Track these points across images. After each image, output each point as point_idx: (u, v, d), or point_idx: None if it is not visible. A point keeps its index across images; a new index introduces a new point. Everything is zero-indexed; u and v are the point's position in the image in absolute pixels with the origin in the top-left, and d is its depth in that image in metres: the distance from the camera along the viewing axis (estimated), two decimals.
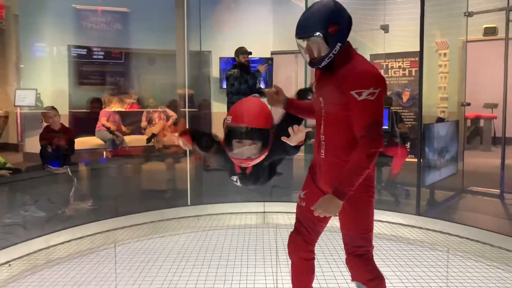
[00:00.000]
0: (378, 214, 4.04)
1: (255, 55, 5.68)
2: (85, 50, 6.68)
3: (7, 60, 7.20)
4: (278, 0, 7.42)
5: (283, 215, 4.26)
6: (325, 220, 1.92)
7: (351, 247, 1.78)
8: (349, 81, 1.64)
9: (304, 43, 1.77)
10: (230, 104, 5.23)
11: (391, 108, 4.53)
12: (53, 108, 4.50)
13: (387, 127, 4.33)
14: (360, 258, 1.77)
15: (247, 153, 1.82)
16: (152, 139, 6.31)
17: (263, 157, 1.87)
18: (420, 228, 3.85)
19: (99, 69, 6.75)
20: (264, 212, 4.29)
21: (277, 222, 4.11)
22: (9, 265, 3.10)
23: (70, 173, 4.28)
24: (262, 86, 6.68)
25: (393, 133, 4.39)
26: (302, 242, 1.90)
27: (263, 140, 1.84)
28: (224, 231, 3.85)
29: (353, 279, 1.84)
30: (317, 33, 1.67)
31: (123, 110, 6.27)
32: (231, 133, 1.84)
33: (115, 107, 6.12)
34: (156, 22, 6.35)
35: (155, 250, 3.39)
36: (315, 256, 1.96)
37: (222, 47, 7.11)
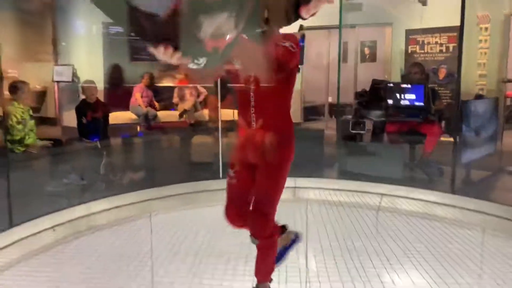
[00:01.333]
0: (410, 192, 4.00)
1: (284, 30, 5.60)
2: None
3: (45, 37, 7.40)
4: None
5: (314, 190, 4.28)
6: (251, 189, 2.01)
7: (261, 205, 1.94)
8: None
9: None
10: None
11: (427, 84, 4.40)
12: (91, 81, 4.62)
13: (422, 104, 4.23)
14: (265, 216, 1.94)
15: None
16: (184, 115, 6.42)
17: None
18: (455, 206, 3.78)
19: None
20: (295, 187, 4.32)
21: (308, 197, 4.14)
22: (54, 230, 3.27)
23: (99, 146, 4.43)
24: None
25: (428, 110, 4.28)
26: (238, 214, 2.05)
27: None
28: None
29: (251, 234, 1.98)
30: None
31: (172, 85, 6.36)
32: None
33: (167, 82, 6.24)
34: None
35: (188, 221, 3.49)
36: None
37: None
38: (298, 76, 7.13)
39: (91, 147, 4.42)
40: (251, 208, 1.99)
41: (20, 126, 4.00)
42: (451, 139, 4.13)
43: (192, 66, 1.57)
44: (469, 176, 4.24)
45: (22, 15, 7.07)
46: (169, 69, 6.45)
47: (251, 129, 1.92)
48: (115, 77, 6.05)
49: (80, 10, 7.03)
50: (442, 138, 4.69)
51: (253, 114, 1.91)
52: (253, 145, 1.92)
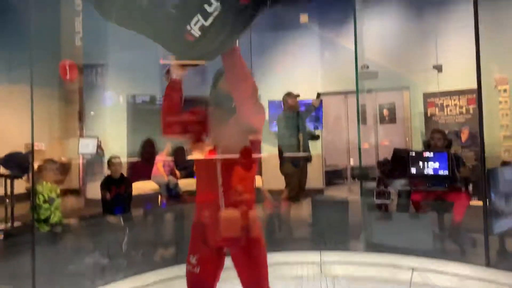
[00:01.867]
0: (443, 265, 3.81)
1: (304, 96, 5.71)
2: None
3: (72, 110, 7.76)
4: (326, 43, 7.51)
5: (341, 265, 4.12)
6: (218, 277, 1.94)
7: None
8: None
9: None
10: (281, 146, 5.27)
11: (450, 151, 4.34)
12: (117, 157, 4.74)
13: (447, 172, 4.15)
14: None
15: None
16: None
17: None
18: (491, 282, 3.56)
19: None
20: (320, 262, 4.18)
21: (335, 273, 3.98)
22: None
23: (122, 223, 4.44)
24: (312, 127, 6.68)
25: (453, 178, 4.18)
26: None
27: None
28: (279, 282, 3.77)
29: None
30: None
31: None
32: None
33: (197, 155, 6.32)
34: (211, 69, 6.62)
35: None
36: None
37: (271, 90, 7.26)
38: (319, 141, 7.15)
39: (114, 223, 4.44)
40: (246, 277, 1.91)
41: (46, 205, 4.08)
42: (481, 203, 3.98)
43: None
44: (504, 247, 4.03)
45: (51, 90, 7.49)
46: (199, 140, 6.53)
47: (220, 207, 1.82)
48: (148, 151, 6.17)
49: (107, 82, 7.41)
50: (471, 203, 4.54)
51: (222, 191, 1.82)
52: (228, 226, 1.79)
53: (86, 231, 4.63)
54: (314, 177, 7.27)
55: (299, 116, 5.28)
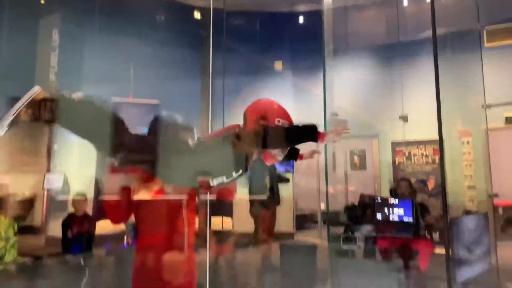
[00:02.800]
0: None
1: None
2: None
3: (40, 146, 7.58)
4: (297, 89, 7.75)
5: None
6: None
7: None
8: None
9: None
10: (251, 188, 5.26)
11: (415, 199, 4.44)
12: (83, 195, 4.61)
13: (411, 219, 4.22)
14: None
15: None
16: None
17: None
18: None
19: None
20: None
21: None
22: None
23: (82, 263, 4.27)
24: (283, 170, 6.72)
25: (417, 226, 4.26)
26: None
27: None
28: None
29: None
30: None
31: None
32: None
33: (142, 194, 6.19)
34: (182, 112, 6.67)
35: None
36: None
37: None
38: (290, 185, 7.13)
39: (74, 263, 4.25)
40: None
41: (1, 243, 3.88)
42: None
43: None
44: None
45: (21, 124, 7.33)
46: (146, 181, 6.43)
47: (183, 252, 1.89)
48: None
49: None
50: (437, 251, 4.60)
51: (187, 234, 1.88)
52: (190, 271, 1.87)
53: (43, 271, 4.40)
54: (285, 221, 7.24)
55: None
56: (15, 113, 1.61)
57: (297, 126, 1.89)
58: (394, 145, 6.81)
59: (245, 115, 1.89)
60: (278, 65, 7.78)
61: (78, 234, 4.33)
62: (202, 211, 5.60)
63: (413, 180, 6.02)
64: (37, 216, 7.54)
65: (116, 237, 5.99)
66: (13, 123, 1.61)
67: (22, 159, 7.41)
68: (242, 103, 7.81)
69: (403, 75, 6.91)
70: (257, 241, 5.20)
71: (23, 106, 1.60)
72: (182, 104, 6.87)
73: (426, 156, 6.59)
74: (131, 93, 6.90)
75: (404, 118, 5.99)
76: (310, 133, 1.87)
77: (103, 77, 6.64)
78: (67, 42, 7.19)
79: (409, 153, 6.69)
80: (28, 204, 7.56)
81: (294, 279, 4.52)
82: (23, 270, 4.06)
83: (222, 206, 6.22)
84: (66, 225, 4.37)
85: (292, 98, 7.86)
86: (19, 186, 7.16)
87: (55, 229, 6.51)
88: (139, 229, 2.01)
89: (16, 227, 4.14)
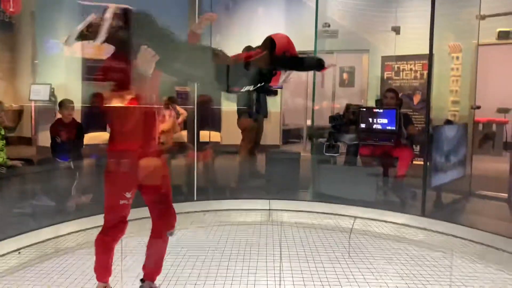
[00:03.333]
0: (382, 215, 4.05)
1: None
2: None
3: (23, 55, 7.37)
4: (289, 1, 7.44)
5: (288, 213, 4.29)
6: None
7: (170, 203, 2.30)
8: None
9: None
10: (239, 100, 5.29)
11: (400, 109, 4.51)
12: (69, 101, 4.58)
13: (394, 128, 4.33)
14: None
15: None
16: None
17: None
18: (425, 229, 3.84)
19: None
20: (269, 209, 4.32)
21: (282, 220, 4.14)
22: (19, 252, 3.18)
23: (72, 167, 4.37)
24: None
25: (400, 135, 4.38)
26: (124, 226, 2.25)
27: None
28: (229, 227, 3.89)
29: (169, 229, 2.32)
30: None
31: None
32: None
33: (115, 102, 6.14)
34: (166, 21, 6.41)
35: None
36: None
37: (233, 48, 7.14)
38: (277, 99, 7.12)
39: (64, 167, 4.36)
40: (160, 207, 2.27)
41: None
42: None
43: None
44: (439, 200, 4.32)
45: (1, 34, 7.05)
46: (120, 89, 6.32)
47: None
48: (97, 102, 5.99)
49: (59, 28, 7.03)
50: (416, 162, 4.80)
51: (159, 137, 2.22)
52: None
53: (34, 175, 4.52)
54: (272, 135, 7.38)
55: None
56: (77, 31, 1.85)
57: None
58: (384, 59, 6.73)
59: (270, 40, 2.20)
60: None
61: (67, 140, 4.37)
62: (191, 125, 5.64)
63: (400, 94, 6.07)
64: (26, 127, 7.57)
65: (103, 148, 6.09)
66: (81, 37, 1.88)
67: (5, 71, 7.24)
68: (230, 14, 7.53)
69: None
70: (244, 150, 5.34)
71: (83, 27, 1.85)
72: (164, 15, 6.59)
73: (415, 71, 6.56)
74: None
75: (397, 30, 5.85)
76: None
77: None
78: None
79: (398, 68, 6.64)
80: (16, 115, 7.54)
81: (278, 184, 4.74)
82: (13, 173, 4.16)
83: (211, 120, 6.29)
84: (54, 130, 4.39)
85: (283, 10, 7.57)
86: (5, 97, 7.08)
87: (44, 139, 6.59)
88: (114, 136, 2.14)
89: (3, 131, 4.16)
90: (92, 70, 6.67)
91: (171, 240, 2.43)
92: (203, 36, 2.51)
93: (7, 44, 7.39)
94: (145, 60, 1.89)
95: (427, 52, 4.22)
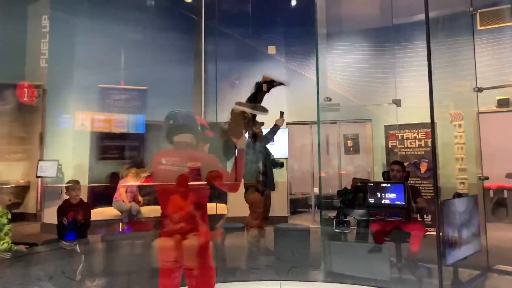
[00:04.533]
0: None
1: (268, 125, 5.73)
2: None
3: (34, 132, 7.54)
4: (291, 74, 7.71)
5: None
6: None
7: None
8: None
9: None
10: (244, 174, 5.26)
11: (407, 181, 4.49)
12: (76, 182, 4.60)
13: (403, 203, 4.27)
14: None
15: None
16: None
17: None
18: None
19: (118, 143, 6.96)
20: None
21: None
22: None
23: (78, 250, 4.30)
24: (275, 155, 6.72)
25: (409, 209, 4.31)
26: None
27: None
28: None
29: None
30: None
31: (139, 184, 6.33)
32: None
33: (131, 181, 6.20)
34: (173, 97, 6.65)
35: None
36: None
37: None
38: (283, 168, 6.98)
39: (69, 250, 4.28)
40: None
41: None
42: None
43: None
44: (456, 277, 4.14)
45: (12, 110, 7.28)
46: (135, 166, 6.46)
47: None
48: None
49: (69, 106, 7.26)
50: (429, 232, 4.67)
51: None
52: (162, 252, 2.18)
53: (38, 258, 4.42)
54: (279, 205, 7.30)
55: (262, 144, 5.32)
56: None
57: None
58: (387, 128, 6.83)
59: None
60: (272, 50, 7.73)
61: (73, 220, 4.34)
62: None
63: (405, 163, 6.07)
64: (31, 204, 7.55)
65: (111, 223, 6.03)
66: None
67: (14, 147, 7.38)
68: (236, 88, 7.78)
69: (396, 58, 6.91)
70: (252, 225, 5.24)
71: None
72: (173, 89, 6.84)
73: (419, 139, 6.63)
74: (122, 81, 6.85)
75: (397, 103, 6.00)
76: None
77: (94, 64, 6.57)
78: (57, 29, 7.09)
79: (402, 136, 6.72)
80: (22, 191, 7.56)
81: (288, 262, 4.59)
82: (18, 258, 4.08)
83: (217, 193, 6.22)
84: (61, 212, 4.38)
85: (286, 82, 7.82)
86: (12, 173, 7.15)
87: (49, 216, 6.55)
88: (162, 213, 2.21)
89: (9, 215, 4.14)
90: (104, 149, 6.83)
91: None
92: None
93: (18, 121, 7.60)
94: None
95: (427, 120, 4.26)
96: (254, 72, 8.07)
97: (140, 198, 6.48)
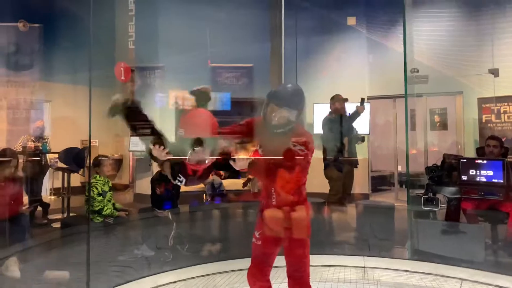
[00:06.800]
0: (495, 278, 3.64)
1: (352, 100, 5.61)
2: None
3: None
4: (373, 46, 7.37)
5: (385, 271, 4.03)
6: (275, 252, 2.37)
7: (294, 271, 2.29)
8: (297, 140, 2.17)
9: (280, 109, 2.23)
10: (324, 150, 5.22)
11: (506, 159, 4.13)
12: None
13: (502, 181, 3.95)
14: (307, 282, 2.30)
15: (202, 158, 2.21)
16: (248, 183, 6.51)
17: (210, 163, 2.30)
18: None
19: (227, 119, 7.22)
20: (364, 267, 4.11)
21: (378, 278, 3.90)
22: None
23: (170, 217, 4.60)
24: (358, 130, 6.55)
25: (508, 187, 3.98)
26: (260, 274, 2.36)
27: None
28: (323, 284, 3.76)
29: None
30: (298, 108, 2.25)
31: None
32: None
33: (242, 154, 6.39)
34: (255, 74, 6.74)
35: None
36: (271, 284, 2.42)
37: (318, 94, 7.21)
38: (364, 144, 6.76)
39: (162, 217, 4.60)
40: (289, 278, 2.30)
41: (100, 198, 4.31)
42: None
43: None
44: None
45: (108, 91, 7.87)
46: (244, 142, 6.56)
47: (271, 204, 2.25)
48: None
49: (157, 84, 7.66)
50: None
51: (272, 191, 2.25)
52: (270, 224, 2.22)
53: (136, 224, 4.83)
54: (360, 183, 7.14)
55: (345, 120, 5.20)
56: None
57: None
58: (481, 101, 6.29)
59: None
60: (351, 21, 7.42)
61: (166, 191, 4.65)
62: None
63: (503, 139, 5.57)
64: (125, 176, 8.22)
65: (196, 196, 6.36)
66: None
67: (109, 124, 8.02)
68: (315, 63, 7.68)
69: (493, 23, 6.27)
70: (332, 201, 5.20)
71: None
72: (261, 66, 6.90)
73: None
74: (209, 60, 7.06)
75: (495, 72, 5.47)
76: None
77: (180, 44, 6.82)
78: (143, 11, 7.44)
79: (499, 110, 6.16)
80: (117, 164, 8.25)
81: (371, 240, 4.51)
82: (119, 223, 4.50)
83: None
84: (154, 182, 4.70)
85: (367, 55, 7.51)
86: (108, 148, 7.79)
87: (141, 187, 7.09)
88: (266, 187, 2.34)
89: (110, 183, 4.55)
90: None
91: None
92: None
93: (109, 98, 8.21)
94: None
95: None
96: (333, 45, 7.85)
97: (221, 172, 6.74)
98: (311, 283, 2.36)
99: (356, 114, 5.15)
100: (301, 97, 2.29)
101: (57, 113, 7.52)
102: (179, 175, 2.29)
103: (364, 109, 5.21)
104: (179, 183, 2.33)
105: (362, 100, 5.20)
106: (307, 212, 2.23)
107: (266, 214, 2.20)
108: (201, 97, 2.51)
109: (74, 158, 5.79)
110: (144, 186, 6.65)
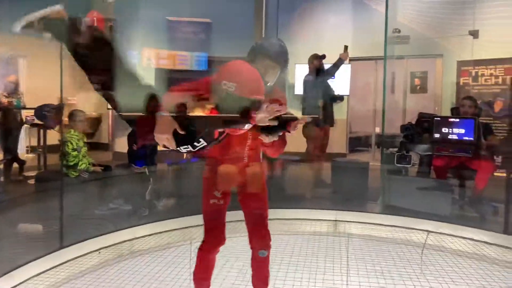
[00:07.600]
0: (459, 230, 3.80)
1: (330, 59, 5.55)
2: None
3: None
4: (357, 6, 7.28)
5: (356, 224, 4.17)
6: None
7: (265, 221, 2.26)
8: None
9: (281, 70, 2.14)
10: (304, 109, 5.23)
11: (478, 118, 4.22)
12: None
13: (472, 139, 4.05)
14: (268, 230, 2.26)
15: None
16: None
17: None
18: (507, 247, 3.54)
19: (185, 76, 7.12)
20: (336, 220, 4.23)
21: (350, 231, 4.03)
22: (99, 252, 3.41)
23: (147, 173, 4.61)
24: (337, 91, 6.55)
25: (478, 146, 4.09)
26: (214, 247, 2.22)
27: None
28: (295, 237, 3.87)
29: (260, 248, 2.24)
30: None
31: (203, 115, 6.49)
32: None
33: (198, 112, 6.36)
34: (235, 31, 6.58)
35: (227, 250, 3.50)
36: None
37: (299, 54, 7.12)
38: (343, 105, 6.83)
39: (139, 173, 4.61)
40: (253, 225, 2.25)
41: (74, 153, 4.27)
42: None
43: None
44: None
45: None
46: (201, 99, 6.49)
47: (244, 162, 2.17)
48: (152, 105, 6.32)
49: (136, 40, 7.46)
50: (497, 173, 4.45)
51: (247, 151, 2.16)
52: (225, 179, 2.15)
53: (113, 180, 4.83)
54: (338, 143, 7.24)
55: (324, 79, 5.20)
56: (30, 19, 1.72)
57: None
58: (460, 64, 6.35)
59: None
60: None
61: (142, 147, 4.62)
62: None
63: (478, 102, 5.67)
64: (104, 134, 8.13)
65: (172, 153, 6.35)
66: (26, 27, 1.72)
67: (85, 80, 7.84)
68: (298, 21, 7.53)
69: None
70: (309, 159, 5.29)
71: (39, 17, 1.72)
72: (234, 23, 6.75)
73: (496, 76, 6.11)
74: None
75: (475, 34, 5.49)
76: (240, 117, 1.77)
77: None
78: None
79: (476, 73, 6.23)
80: (96, 122, 8.14)
81: (345, 194, 4.63)
82: (96, 179, 4.48)
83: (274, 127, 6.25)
84: (131, 138, 4.67)
85: (350, 15, 7.42)
86: (86, 106, 7.65)
87: (120, 145, 7.04)
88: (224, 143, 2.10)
89: (85, 139, 4.50)
90: (169, 85, 7.03)
91: (240, 246, 2.44)
92: None
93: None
94: None
95: (509, 55, 3.91)
96: (315, 5, 7.72)
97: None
98: (283, 236, 2.37)
99: (340, 61, 5.14)
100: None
101: (32, 69, 7.30)
102: (202, 137, 1.77)
103: (348, 56, 5.20)
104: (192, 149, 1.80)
105: (345, 47, 5.16)
106: (264, 167, 2.27)
107: (220, 170, 2.12)
108: (55, 28, 1.74)
109: (36, 110, 5.60)
110: (123, 144, 6.60)
